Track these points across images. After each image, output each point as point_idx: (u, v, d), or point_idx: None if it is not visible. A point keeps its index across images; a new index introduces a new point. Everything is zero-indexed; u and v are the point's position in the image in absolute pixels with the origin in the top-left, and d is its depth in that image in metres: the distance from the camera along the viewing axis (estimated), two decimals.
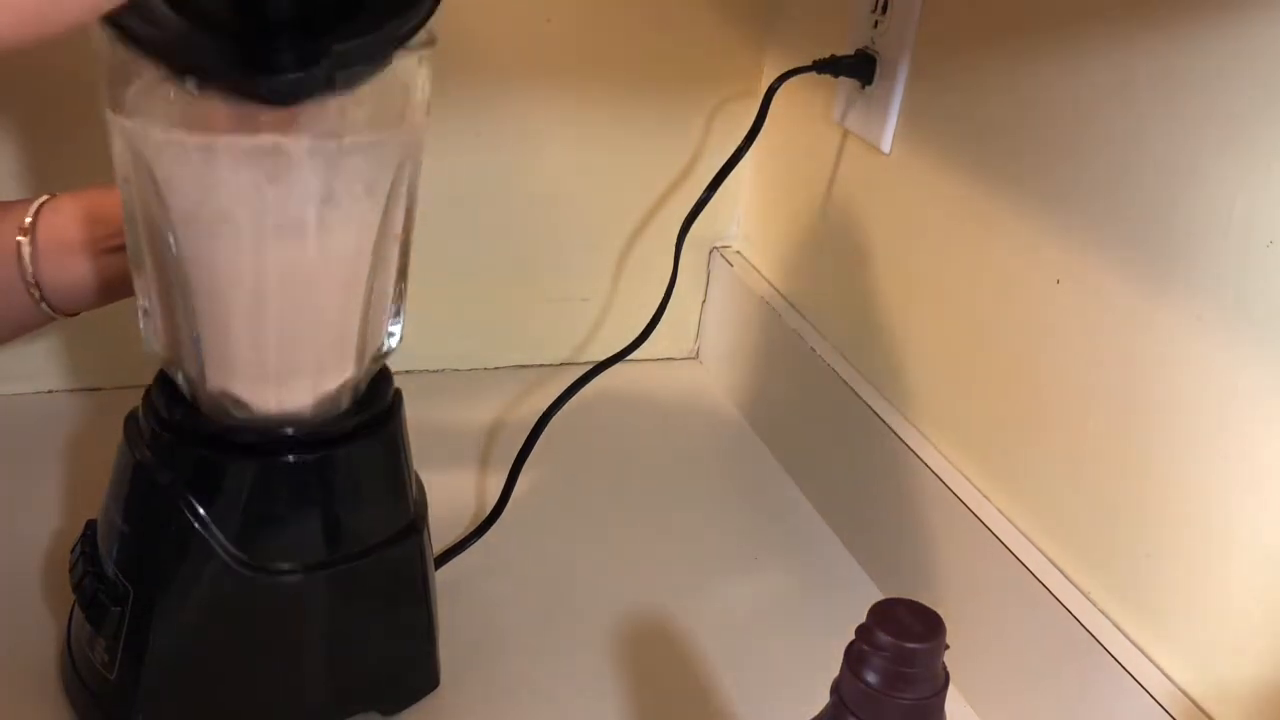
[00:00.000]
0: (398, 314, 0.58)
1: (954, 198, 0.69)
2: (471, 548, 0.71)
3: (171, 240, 0.50)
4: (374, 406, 0.57)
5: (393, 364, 0.59)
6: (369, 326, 0.56)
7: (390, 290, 0.57)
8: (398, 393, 0.59)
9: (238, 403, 0.54)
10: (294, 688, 0.57)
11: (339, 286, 0.54)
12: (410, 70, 0.52)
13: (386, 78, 0.50)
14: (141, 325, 0.56)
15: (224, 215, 0.49)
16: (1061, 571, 0.61)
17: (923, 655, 0.39)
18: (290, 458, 0.54)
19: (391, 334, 0.58)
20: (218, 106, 0.47)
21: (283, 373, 0.54)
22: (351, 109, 0.50)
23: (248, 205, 0.49)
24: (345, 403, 0.57)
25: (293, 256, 0.51)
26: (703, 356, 1.00)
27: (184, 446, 0.53)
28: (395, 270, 0.57)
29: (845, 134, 0.80)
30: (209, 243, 0.50)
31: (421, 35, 0.52)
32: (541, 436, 0.73)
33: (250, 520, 0.53)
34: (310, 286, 0.53)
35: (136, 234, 0.53)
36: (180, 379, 0.55)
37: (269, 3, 0.44)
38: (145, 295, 0.55)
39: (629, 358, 0.77)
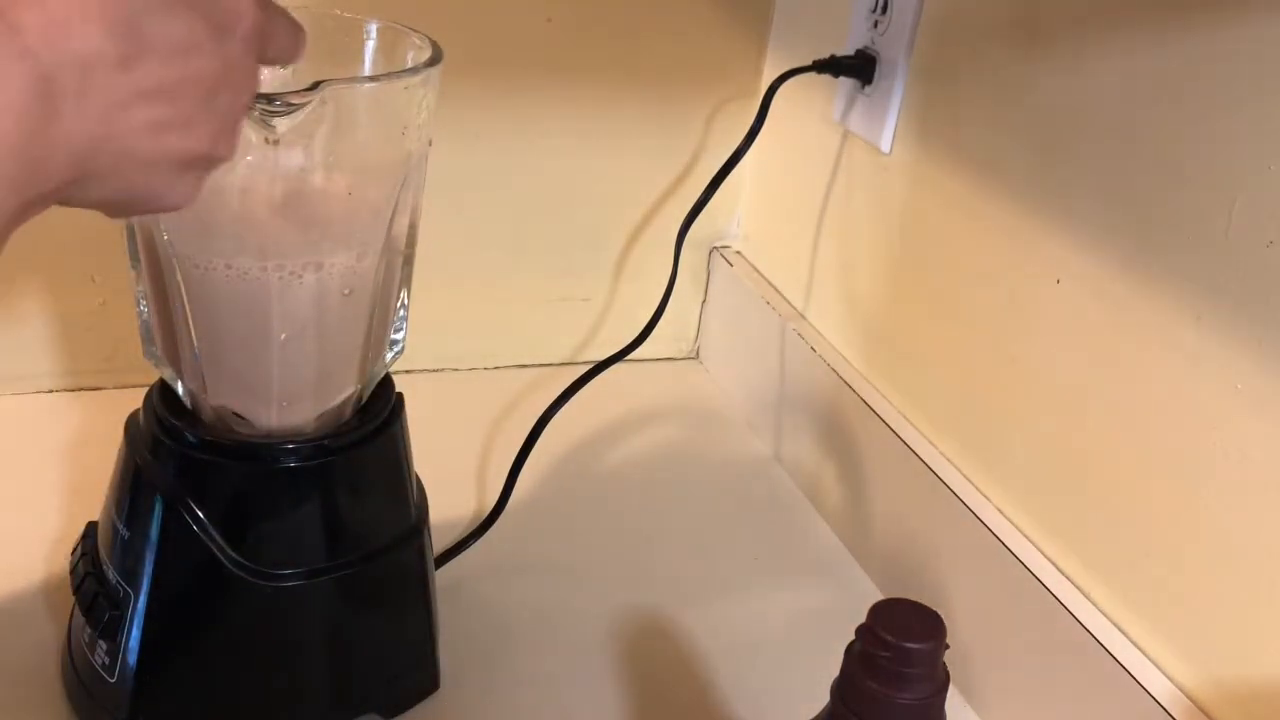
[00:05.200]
0: (401, 326, 0.58)
1: (954, 198, 0.69)
2: (471, 548, 0.71)
3: (166, 239, 0.50)
4: (375, 414, 0.57)
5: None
6: (373, 343, 0.55)
7: (394, 305, 0.57)
8: (399, 398, 0.59)
9: (239, 418, 0.54)
10: (294, 691, 0.57)
11: (343, 309, 0.53)
12: (413, 88, 0.51)
13: (388, 95, 0.50)
14: (141, 338, 0.56)
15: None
16: (1061, 571, 0.61)
17: (923, 655, 0.39)
18: (291, 464, 0.54)
19: (395, 343, 0.58)
20: None
21: (285, 393, 0.54)
22: (353, 127, 0.50)
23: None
24: (347, 414, 0.57)
25: (295, 279, 0.51)
26: (703, 356, 1.00)
27: (184, 451, 0.53)
28: (399, 284, 0.56)
29: (845, 134, 0.80)
30: (202, 240, 0.50)
31: (424, 53, 0.52)
32: (541, 436, 0.73)
33: (250, 526, 0.53)
34: (314, 310, 0.52)
35: (134, 241, 0.53)
36: (180, 390, 0.55)
37: None
38: (144, 304, 0.55)
39: (629, 358, 0.77)
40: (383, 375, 0.59)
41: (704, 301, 0.99)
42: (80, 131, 0.32)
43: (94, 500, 0.58)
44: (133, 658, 0.54)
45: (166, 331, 0.53)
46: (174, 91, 0.34)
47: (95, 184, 0.34)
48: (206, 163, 0.37)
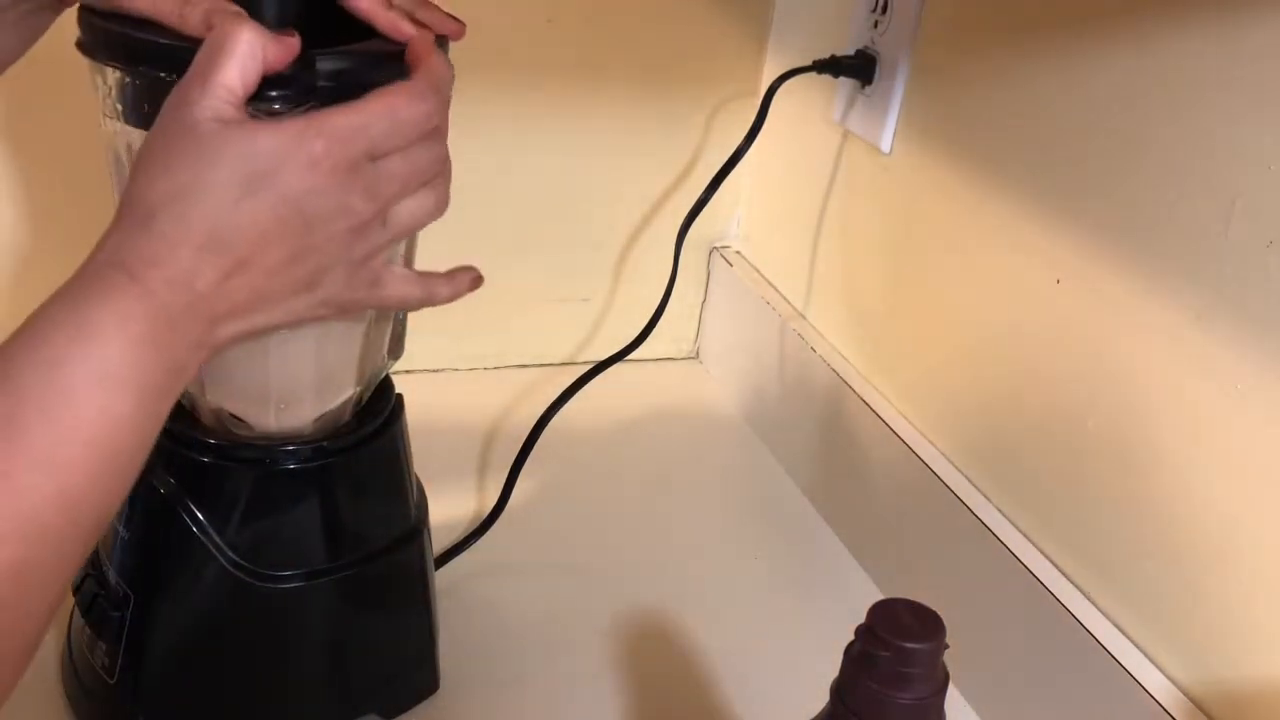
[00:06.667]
0: (401, 330, 0.58)
1: (954, 197, 0.69)
2: (471, 548, 0.71)
3: None
4: (375, 415, 0.57)
5: None
6: (372, 344, 0.55)
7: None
8: (399, 398, 0.59)
9: (237, 420, 0.54)
10: (294, 692, 0.57)
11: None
12: None
13: None
14: None
15: None
16: (1061, 571, 0.61)
17: (923, 655, 0.39)
18: (290, 465, 0.54)
19: (395, 344, 0.58)
20: None
21: (284, 396, 0.54)
22: None
23: None
24: (346, 416, 0.56)
25: None
26: (703, 356, 1.00)
27: (184, 453, 0.53)
28: None
29: (845, 134, 0.80)
30: None
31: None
32: (541, 436, 0.73)
33: (250, 527, 0.53)
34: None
35: None
36: None
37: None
38: None
39: (629, 358, 0.77)
40: (382, 376, 0.58)
41: (704, 301, 0.99)
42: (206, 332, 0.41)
43: None
44: (133, 658, 0.54)
45: None
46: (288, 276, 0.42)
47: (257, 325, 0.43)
48: (351, 293, 0.45)
